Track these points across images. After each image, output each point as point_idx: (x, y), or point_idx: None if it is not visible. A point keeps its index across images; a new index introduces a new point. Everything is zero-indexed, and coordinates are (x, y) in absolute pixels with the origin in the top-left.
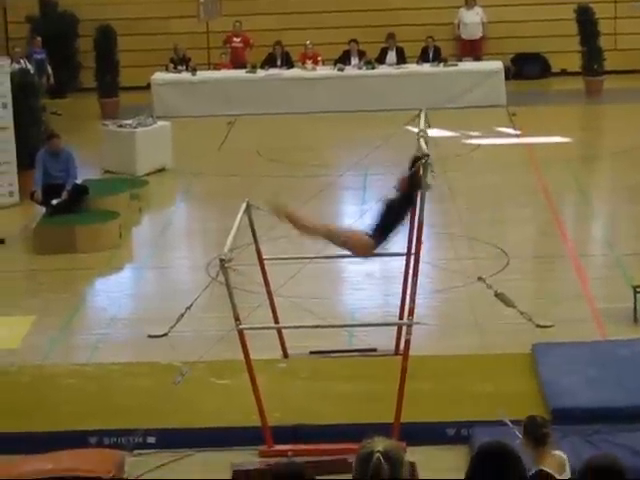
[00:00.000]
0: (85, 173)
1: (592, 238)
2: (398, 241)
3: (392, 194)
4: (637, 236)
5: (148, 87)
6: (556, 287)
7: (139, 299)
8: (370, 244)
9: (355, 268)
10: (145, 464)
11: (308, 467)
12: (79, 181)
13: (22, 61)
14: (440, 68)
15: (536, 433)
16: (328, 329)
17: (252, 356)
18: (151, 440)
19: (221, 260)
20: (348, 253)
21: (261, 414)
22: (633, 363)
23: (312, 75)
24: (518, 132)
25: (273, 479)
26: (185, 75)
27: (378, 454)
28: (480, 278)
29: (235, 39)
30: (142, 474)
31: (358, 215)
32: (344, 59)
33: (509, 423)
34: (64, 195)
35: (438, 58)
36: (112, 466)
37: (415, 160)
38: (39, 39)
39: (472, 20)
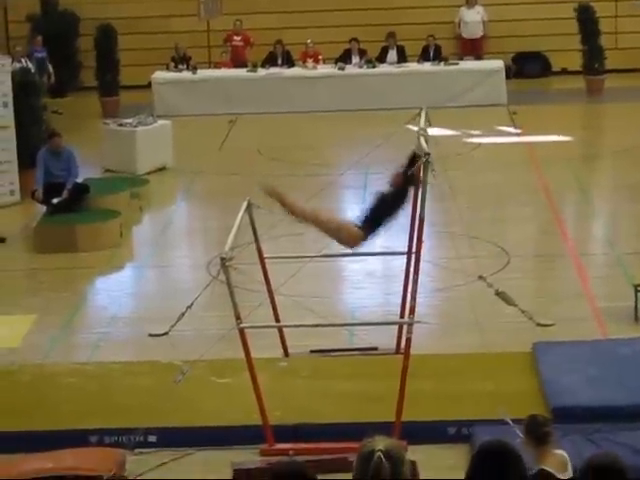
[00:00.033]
0: (86, 172)
1: (593, 237)
2: (399, 240)
3: (386, 188)
4: (638, 235)
5: (149, 86)
6: (557, 286)
7: (140, 298)
8: (359, 235)
9: (356, 267)
10: (146, 463)
11: (309, 466)
12: (80, 180)
13: (23, 60)
14: (441, 67)
15: (537, 432)
16: (329, 328)
17: (253, 355)
18: (152, 439)
19: (222, 259)
20: (349, 252)
21: (262, 413)
22: (634, 362)
23: (313, 74)
24: (519, 131)
25: (274, 478)
26: (186, 74)
27: (379, 453)
28: (481, 277)
29: (236, 38)
30: (143, 473)
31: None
32: (345, 58)
33: (510, 422)
34: (65, 194)
35: (439, 57)
36: (113, 465)
37: (413, 157)
38: (40, 38)
39: (473, 19)
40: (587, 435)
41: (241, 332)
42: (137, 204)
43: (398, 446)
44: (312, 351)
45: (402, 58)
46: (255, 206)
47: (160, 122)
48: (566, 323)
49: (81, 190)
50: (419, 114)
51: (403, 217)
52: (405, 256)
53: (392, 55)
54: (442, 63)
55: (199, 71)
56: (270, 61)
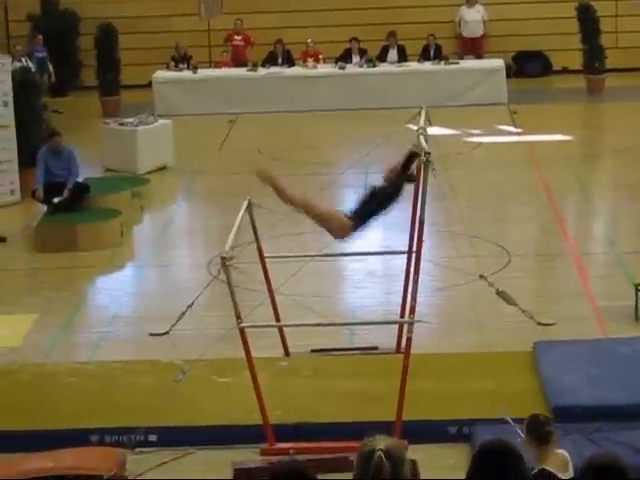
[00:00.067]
0: (86, 171)
1: (593, 236)
2: (399, 239)
3: (379, 183)
4: (638, 234)
5: (149, 85)
6: (557, 285)
7: (140, 297)
8: (348, 226)
9: (356, 266)
10: (146, 462)
11: (309, 465)
12: (80, 179)
13: (23, 59)
14: (441, 66)
15: (539, 431)
16: (329, 327)
17: (253, 354)
18: (152, 438)
19: (222, 258)
20: (349, 251)
21: (262, 412)
22: (634, 361)
23: (313, 73)
24: (519, 130)
25: (274, 477)
26: (186, 73)
27: (379, 452)
28: (481, 276)
29: (236, 37)
30: (143, 472)
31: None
32: (345, 57)
33: (510, 421)
34: (65, 193)
35: (439, 56)
36: (113, 464)
37: (411, 155)
38: (40, 37)
39: (473, 18)
40: (587, 434)
41: (241, 331)
42: (138, 203)
43: (399, 445)
44: (313, 350)
45: (402, 57)
46: (255, 205)
47: (161, 121)
48: (567, 322)
49: (82, 189)
50: (419, 113)
51: (404, 216)
52: (406, 255)
53: (392, 54)
54: (442, 62)
55: (200, 70)
56: (270, 60)
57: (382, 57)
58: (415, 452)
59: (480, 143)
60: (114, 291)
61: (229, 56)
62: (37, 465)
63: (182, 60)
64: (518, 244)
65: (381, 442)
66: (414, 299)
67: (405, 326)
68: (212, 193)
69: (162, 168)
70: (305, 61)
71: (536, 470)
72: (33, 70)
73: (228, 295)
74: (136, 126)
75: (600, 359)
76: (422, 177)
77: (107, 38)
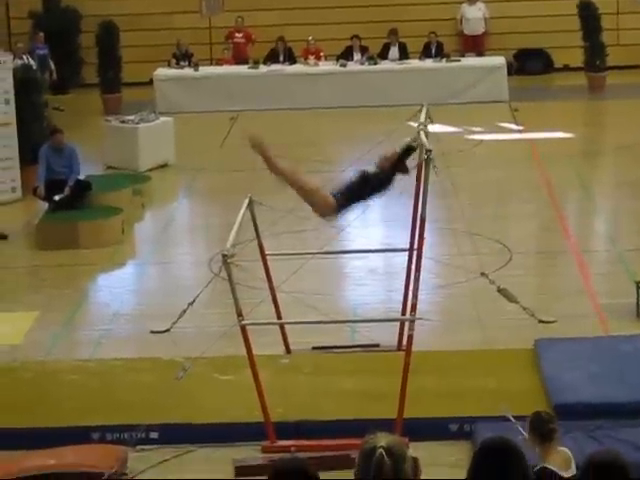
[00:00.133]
0: (88, 169)
1: (595, 234)
2: (400, 236)
3: (371, 168)
4: (639, 231)
5: (150, 83)
6: (558, 283)
7: (142, 295)
8: (332, 205)
9: (358, 264)
10: (148, 460)
11: (311, 463)
12: (82, 177)
13: (25, 57)
14: (442, 64)
15: (542, 429)
16: (331, 325)
17: (255, 352)
18: (154, 436)
19: (224, 256)
20: (351, 249)
21: (264, 410)
22: (636, 358)
23: (314, 71)
24: (521, 128)
25: (276, 475)
26: (187, 71)
27: (381, 450)
28: (483, 274)
29: (237, 35)
30: (144, 470)
31: (360, 210)
32: (346, 55)
33: (512, 419)
34: (67, 191)
35: (440, 54)
36: (115, 461)
37: (408, 148)
38: (42, 35)
39: (474, 15)
40: (589, 432)
41: (243, 329)
42: (139, 201)
43: (400, 443)
44: (314, 348)
45: (404, 55)
46: (257, 203)
47: (162, 119)
48: (568, 320)
49: (83, 187)
50: (420, 111)
51: (405, 214)
52: (407, 253)
53: (394, 52)
54: (444, 60)
55: (201, 68)
56: (272, 58)
57: (383, 55)
58: (416, 450)
59: (481, 140)
60: (115, 288)
61: (230, 53)
62: (38, 462)
63: (183, 57)
64: (519, 242)
65: (382, 440)
66: (415, 297)
67: (406, 324)
68: (213, 190)
69: (163, 166)
70: (306, 59)
71: (537, 468)
72: (34, 68)
73: (229, 292)
74: (137, 124)
75: (601, 356)
76: (423, 174)
77: (108, 35)
